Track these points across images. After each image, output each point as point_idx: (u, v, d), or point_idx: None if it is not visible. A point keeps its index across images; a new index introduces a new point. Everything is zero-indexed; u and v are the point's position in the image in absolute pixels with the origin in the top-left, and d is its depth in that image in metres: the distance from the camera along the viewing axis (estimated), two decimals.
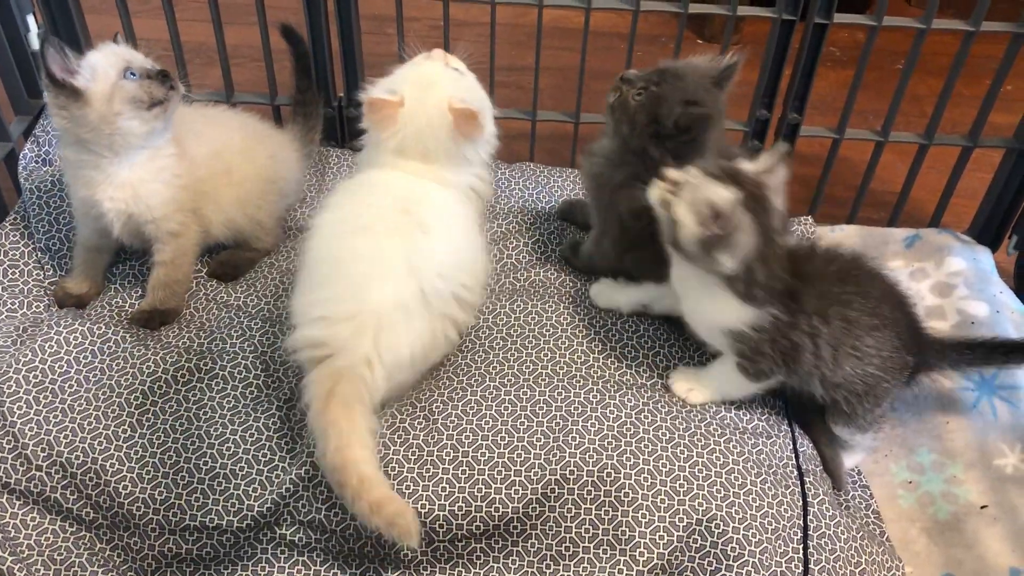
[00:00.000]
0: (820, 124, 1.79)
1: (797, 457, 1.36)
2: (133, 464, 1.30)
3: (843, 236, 1.79)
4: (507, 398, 1.37)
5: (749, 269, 1.24)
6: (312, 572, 1.29)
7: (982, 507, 1.41)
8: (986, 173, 1.83)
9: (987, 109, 1.71)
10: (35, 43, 1.72)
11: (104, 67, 1.35)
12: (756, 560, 1.24)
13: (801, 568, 1.25)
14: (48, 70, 1.32)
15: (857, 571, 1.29)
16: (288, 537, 1.29)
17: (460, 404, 1.36)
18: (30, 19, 1.70)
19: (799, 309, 1.28)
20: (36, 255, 1.54)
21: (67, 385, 1.36)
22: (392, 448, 1.30)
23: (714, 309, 1.31)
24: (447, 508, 1.26)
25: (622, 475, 1.29)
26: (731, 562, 1.24)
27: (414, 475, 1.27)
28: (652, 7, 1.70)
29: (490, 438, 1.32)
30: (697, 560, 1.25)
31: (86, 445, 1.31)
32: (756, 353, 1.31)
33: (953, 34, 1.65)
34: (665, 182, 1.25)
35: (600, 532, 1.27)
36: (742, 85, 1.96)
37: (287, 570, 1.29)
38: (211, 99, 1.83)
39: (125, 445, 1.31)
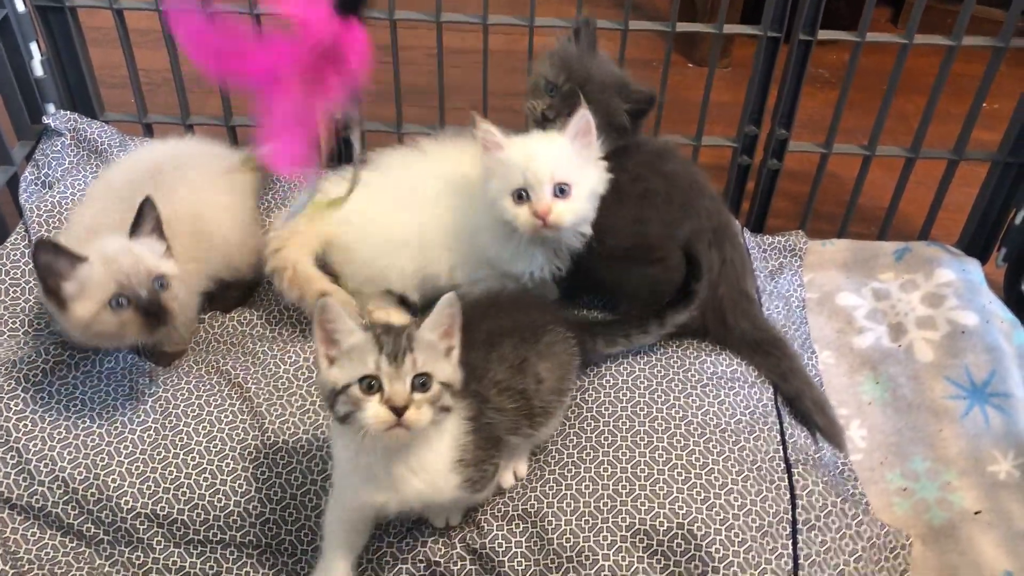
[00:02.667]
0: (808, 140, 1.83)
1: (785, 448, 1.37)
2: (135, 479, 1.31)
3: (834, 250, 1.81)
4: None
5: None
6: None
7: (976, 513, 1.41)
8: (972, 188, 1.86)
9: (971, 122, 1.74)
10: (38, 70, 1.75)
11: (94, 286, 1.24)
12: (742, 560, 1.24)
13: (791, 564, 1.26)
14: (38, 271, 1.24)
15: (852, 559, 1.29)
16: (290, 566, 1.30)
17: None
18: (33, 46, 1.73)
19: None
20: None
21: (72, 404, 1.38)
22: None
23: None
24: None
25: (599, 485, 1.31)
26: (716, 563, 1.24)
27: None
28: (640, 26, 1.74)
29: None
30: (684, 564, 1.25)
31: (88, 461, 1.32)
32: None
33: (938, 54, 1.69)
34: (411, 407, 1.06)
35: (581, 540, 1.27)
36: (731, 105, 2.01)
37: None
38: (211, 123, 1.87)
39: (127, 461, 1.32)
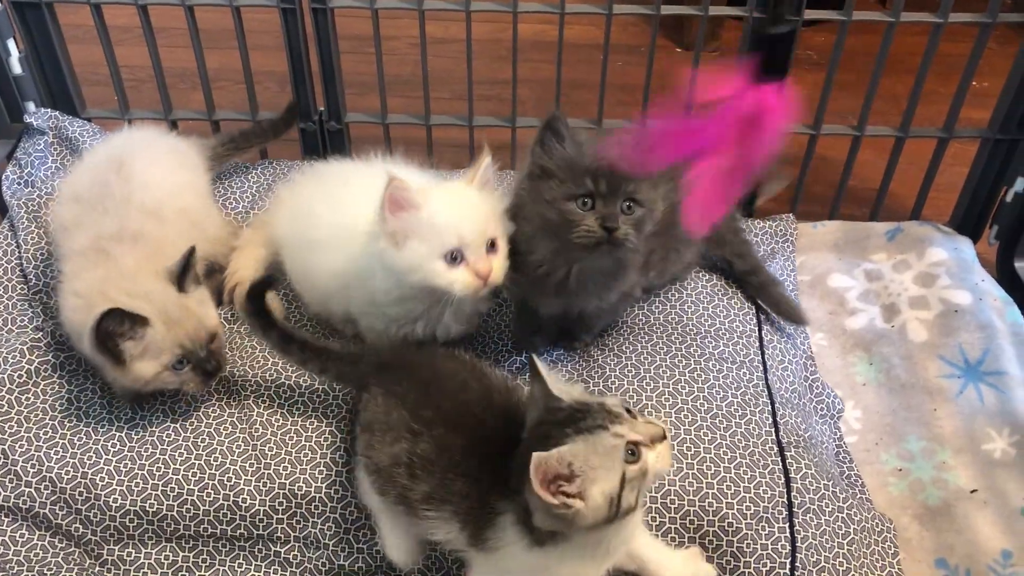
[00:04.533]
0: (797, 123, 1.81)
1: (777, 431, 1.36)
2: (123, 478, 1.30)
3: (825, 232, 1.80)
4: None
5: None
6: None
7: (972, 491, 1.41)
8: (963, 166, 1.84)
9: (961, 99, 1.73)
10: (16, 67, 1.73)
11: (158, 350, 1.26)
12: (736, 548, 1.24)
13: (788, 547, 1.25)
14: (97, 336, 1.23)
15: (845, 541, 1.28)
16: (283, 555, 1.29)
17: None
18: (11, 44, 1.72)
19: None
20: (21, 267, 1.55)
21: (58, 403, 1.37)
22: None
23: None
24: None
25: None
26: (711, 553, 1.24)
27: None
28: (625, 10, 1.72)
29: None
30: None
31: (76, 460, 1.31)
32: None
33: (927, 33, 1.68)
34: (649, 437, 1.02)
35: None
36: None
37: None
38: (195, 117, 1.85)
39: (115, 459, 1.31)
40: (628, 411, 1.04)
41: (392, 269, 1.23)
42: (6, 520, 1.29)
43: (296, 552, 1.30)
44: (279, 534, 1.30)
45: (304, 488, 1.29)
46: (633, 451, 1.00)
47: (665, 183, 1.26)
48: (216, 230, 1.52)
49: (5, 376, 1.38)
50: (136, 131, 1.58)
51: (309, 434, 1.34)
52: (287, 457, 1.31)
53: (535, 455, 0.95)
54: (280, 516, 1.29)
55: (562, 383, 1.08)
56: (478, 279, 1.20)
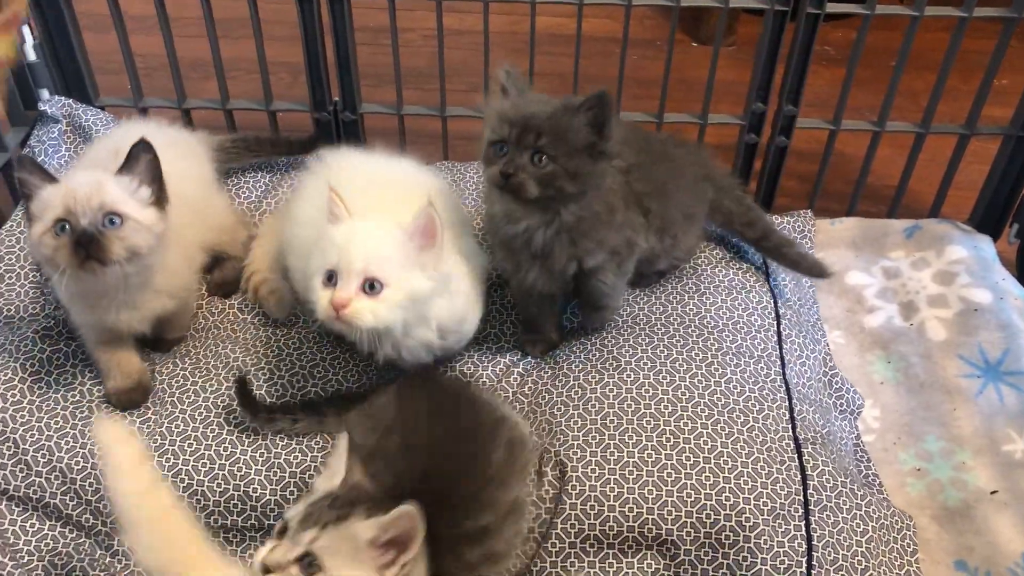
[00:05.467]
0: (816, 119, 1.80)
1: (794, 427, 1.34)
2: None
3: (843, 229, 1.78)
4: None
5: None
6: None
7: (992, 493, 1.39)
8: (983, 164, 1.82)
9: (983, 95, 1.71)
10: (31, 55, 1.72)
11: (47, 208, 1.21)
12: (753, 544, 1.22)
13: (804, 545, 1.23)
14: (18, 178, 1.24)
15: (864, 539, 1.27)
16: None
17: None
18: (25, 30, 1.71)
19: None
20: (32, 259, 1.54)
21: (69, 393, 1.36)
22: None
23: None
24: None
25: (606, 470, 1.28)
26: (727, 549, 1.22)
27: None
28: (644, 1, 1.71)
29: None
30: (694, 552, 1.23)
31: (86, 451, 1.30)
32: None
33: (948, 31, 1.66)
34: (276, 572, 0.98)
35: (586, 528, 1.25)
36: (736, 84, 1.98)
37: None
38: (209, 106, 1.84)
39: None
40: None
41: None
42: (16, 510, 1.29)
43: None
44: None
45: (314, 477, 1.27)
46: None
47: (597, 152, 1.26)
48: (221, 219, 1.51)
49: (17, 364, 1.38)
50: (134, 124, 1.56)
51: None
52: (297, 447, 1.30)
53: None
54: (290, 506, 1.28)
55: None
56: (330, 307, 1.17)
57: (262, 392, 1.37)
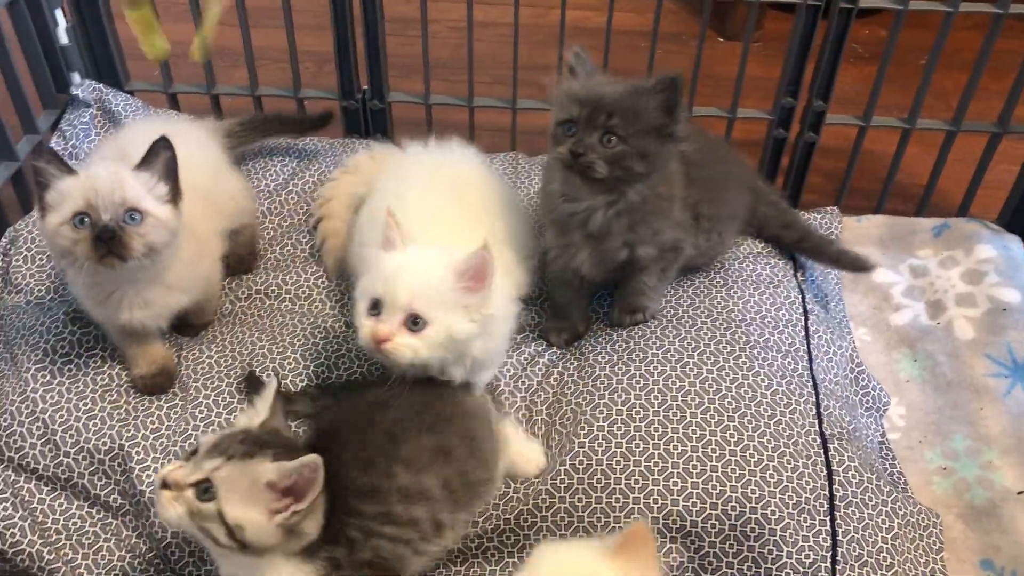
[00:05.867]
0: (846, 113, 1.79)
1: (820, 423, 1.34)
2: (158, 455, 1.30)
3: (870, 226, 1.78)
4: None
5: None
6: None
7: (1019, 493, 1.38)
8: (1013, 164, 1.81)
9: (1016, 95, 1.70)
10: (63, 38, 1.73)
11: (66, 199, 1.20)
12: (778, 537, 1.22)
13: (829, 540, 1.23)
14: (34, 168, 1.21)
15: (889, 536, 1.26)
16: None
17: None
18: (59, 13, 1.72)
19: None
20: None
21: (98, 376, 1.37)
22: None
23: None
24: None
25: (631, 462, 1.28)
26: (752, 542, 1.22)
27: None
28: None
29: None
30: (718, 544, 1.23)
31: (114, 432, 1.31)
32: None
33: (978, 29, 1.65)
34: (173, 490, 1.02)
35: (611, 520, 1.25)
36: (762, 79, 1.97)
37: None
38: (237, 93, 1.85)
39: (152, 436, 1.31)
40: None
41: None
42: (45, 489, 1.29)
43: None
44: None
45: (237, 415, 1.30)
46: None
47: (669, 133, 1.27)
48: (236, 203, 1.50)
49: (48, 346, 1.38)
50: (139, 122, 1.55)
51: None
52: None
53: None
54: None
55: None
56: (372, 339, 1.16)
57: (286, 381, 1.37)
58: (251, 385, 1.35)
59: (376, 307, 1.17)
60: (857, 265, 1.56)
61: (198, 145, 1.49)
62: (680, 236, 1.39)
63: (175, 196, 1.26)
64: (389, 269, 1.18)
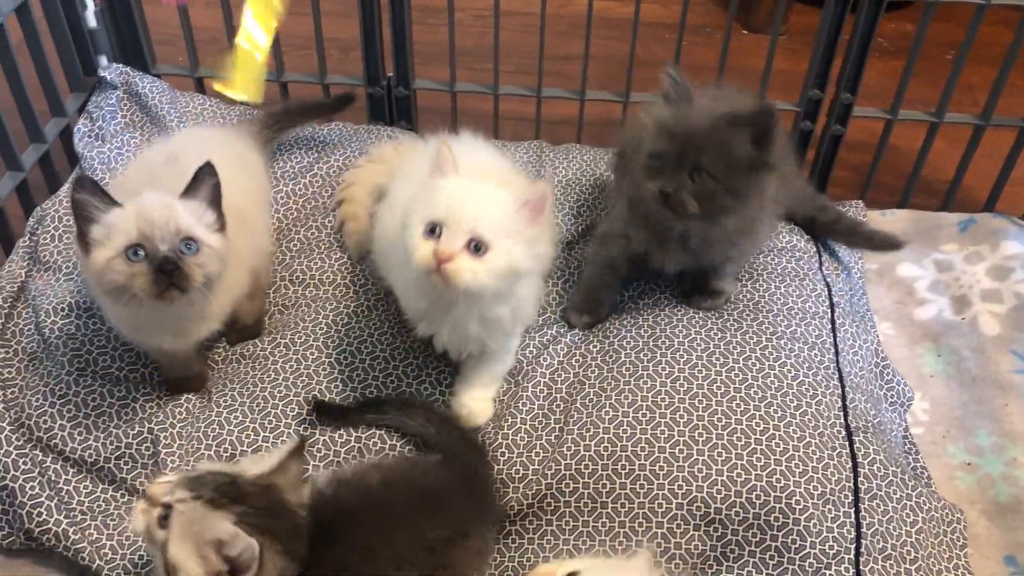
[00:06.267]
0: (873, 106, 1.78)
1: (846, 415, 1.34)
2: (183, 441, 1.31)
3: (895, 220, 1.77)
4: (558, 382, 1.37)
5: None
6: None
7: None
8: None
9: None
10: (92, 21, 1.73)
11: (118, 232, 1.14)
12: (802, 527, 1.21)
13: (853, 532, 1.23)
14: (73, 209, 1.15)
15: (913, 530, 1.26)
16: None
17: None
18: None
19: None
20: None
21: (132, 372, 1.38)
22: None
23: None
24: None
25: (656, 448, 1.28)
26: (775, 531, 1.22)
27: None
28: None
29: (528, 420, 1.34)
30: (741, 532, 1.23)
31: (144, 417, 1.32)
32: None
33: (1005, 24, 1.63)
34: (148, 503, 1.01)
35: (635, 506, 1.25)
36: (787, 73, 1.96)
37: None
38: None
39: (180, 424, 1.32)
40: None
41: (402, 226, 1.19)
42: (71, 471, 1.30)
43: None
44: None
45: (359, 457, 1.29)
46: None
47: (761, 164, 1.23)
48: (263, 241, 1.44)
49: (81, 328, 1.39)
50: (192, 130, 1.53)
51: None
52: (356, 444, 1.30)
53: None
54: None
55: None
56: (432, 259, 1.13)
57: (322, 387, 1.36)
58: (318, 412, 1.32)
59: (434, 230, 1.14)
60: (889, 243, 1.57)
61: (247, 167, 1.45)
62: (766, 236, 1.41)
63: (222, 224, 1.22)
64: (451, 192, 1.16)
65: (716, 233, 1.32)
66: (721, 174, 1.22)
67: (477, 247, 1.14)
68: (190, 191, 1.20)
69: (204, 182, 1.20)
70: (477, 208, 1.15)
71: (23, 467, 1.27)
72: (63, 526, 1.25)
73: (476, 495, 1.19)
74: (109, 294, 1.17)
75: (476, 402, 1.34)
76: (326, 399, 1.34)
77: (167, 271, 1.13)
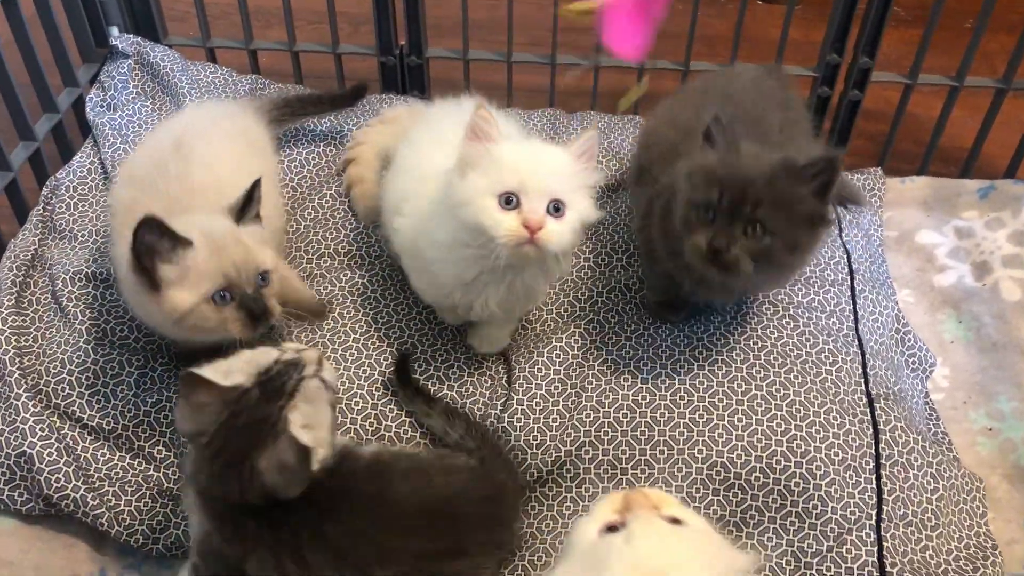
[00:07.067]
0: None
1: (867, 382, 1.32)
2: None
3: (914, 187, 1.75)
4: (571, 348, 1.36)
5: None
6: None
7: None
8: None
9: None
10: None
11: (199, 276, 1.12)
12: (823, 493, 1.21)
13: (874, 498, 1.22)
14: (135, 249, 1.10)
15: (934, 497, 1.25)
16: None
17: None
18: None
19: None
20: (106, 184, 1.56)
21: (149, 342, 1.37)
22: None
23: None
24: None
25: (676, 414, 1.27)
26: (796, 497, 1.21)
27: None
28: None
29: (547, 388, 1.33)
30: (760, 498, 1.22)
31: (163, 386, 1.32)
32: None
33: None
34: None
35: (655, 472, 1.25)
36: (801, 43, 1.94)
37: None
38: (276, 48, 1.84)
39: None
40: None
41: (451, 201, 1.15)
42: (89, 438, 1.30)
43: None
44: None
45: (363, 404, 1.28)
46: (324, 381, 1.05)
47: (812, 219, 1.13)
48: (275, 218, 1.39)
49: (103, 308, 1.39)
50: (199, 108, 1.50)
51: (376, 400, 1.33)
52: (352, 426, 1.30)
53: (281, 459, 0.98)
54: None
55: (222, 370, 1.04)
56: (524, 230, 1.10)
57: (336, 355, 1.35)
58: (398, 368, 1.30)
59: (509, 201, 1.11)
60: (855, 198, 1.52)
61: (258, 149, 1.42)
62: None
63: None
64: (517, 159, 1.13)
65: (764, 279, 1.22)
66: (780, 229, 1.10)
67: (556, 208, 1.12)
68: (245, 212, 1.20)
69: (255, 200, 1.20)
70: (549, 170, 1.13)
71: (40, 434, 1.27)
72: (81, 492, 1.25)
73: (492, 519, 1.15)
74: (186, 330, 1.17)
75: (494, 336, 1.35)
76: (351, 371, 1.33)
77: (259, 312, 1.16)
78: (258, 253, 1.17)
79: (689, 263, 1.18)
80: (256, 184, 1.21)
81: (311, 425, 1.02)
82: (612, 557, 0.84)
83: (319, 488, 1.03)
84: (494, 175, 1.12)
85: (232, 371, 1.04)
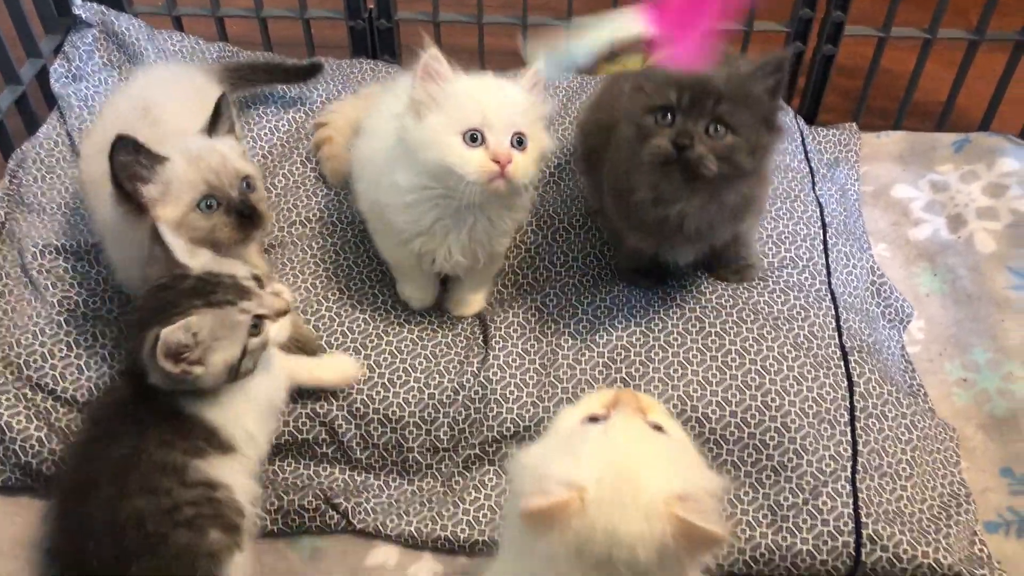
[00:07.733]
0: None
1: (840, 335, 1.33)
2: None
3: (889, 142, 1.74)
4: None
5: None
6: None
7: None
8: None
9: None
10: None
11: (181, 186, 1.11)
12: (798, 446, 1.21)
13: (849, 450, 1.22)
14: (114, 173, 1.09)
15: (908, 448, 1.25)
16: (330, 456, 1.29)
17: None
18: None
19: None
20: (74, 155, 1.54)
21: (120, 307, 1.36)
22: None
23: None
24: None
25: (650, 369, 1.27)
26: (771, 451, 1.21)
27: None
28: None
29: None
30: (736, 452, 1.23)
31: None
32: None
33: None
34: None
35: None
36: (777, 1, 1.92)
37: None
38: (243, 14, 1.81)
39: None
40: (257, 279, 1.08)
41: (409, 145, 1.14)
42: (62, 409, 1.28)
43: (338, 454, 1.29)
44: (323, 436, 1.29)
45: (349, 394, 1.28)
46: (257, 324, 1.05)
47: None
48: None
49: (69, 270, 1.38)
50: (152, 71, 1.47)
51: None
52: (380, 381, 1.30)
53: (164, 332, 0.99)
54: (325, 422, 1.29)
55: (189, 249, 1.08)
56: (494, 165, 1.10)
57: (311, 324, 1.35)
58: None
59: (474, 138, 1.11)
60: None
61: (207, 100, 1.34)
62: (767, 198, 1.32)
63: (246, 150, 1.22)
64: (477, 95, 1.12)
65: (716, 212, 1.19)
66: (743, 128, 1.08)
67: (520, 141, 1.13)
68: (216, 126, 1.19)
69: (224, 113, 1.19)
70: (510, 104, 1.13)
71: (6, 403, 1.26)
72: (58, 454, 1.25)
73: None
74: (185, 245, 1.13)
75: (469, 299, 1.35)
76: (324, 338, 1.33)
77: (248, 214, 1.14)
78: (236, 160, 1.17)
79: (650, 179, 1.16)
80: (223, 97, 1.20)
81: (207, 344, 1.02)
82: (587, 445, 0.86)
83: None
84: (455, 113, 1.11)
85: (196, 255, 1.08)
